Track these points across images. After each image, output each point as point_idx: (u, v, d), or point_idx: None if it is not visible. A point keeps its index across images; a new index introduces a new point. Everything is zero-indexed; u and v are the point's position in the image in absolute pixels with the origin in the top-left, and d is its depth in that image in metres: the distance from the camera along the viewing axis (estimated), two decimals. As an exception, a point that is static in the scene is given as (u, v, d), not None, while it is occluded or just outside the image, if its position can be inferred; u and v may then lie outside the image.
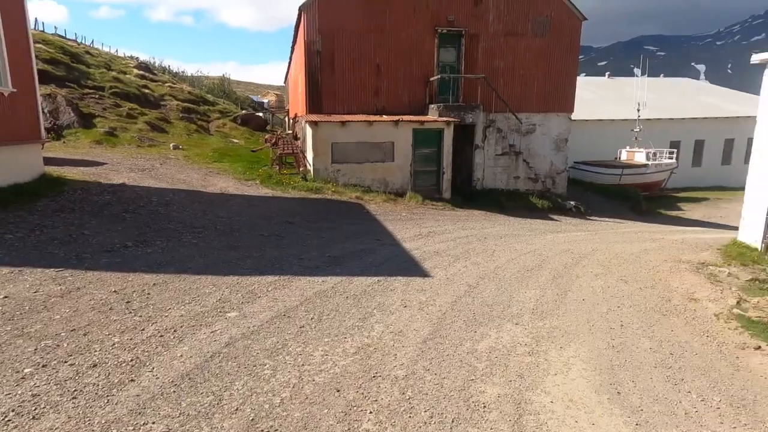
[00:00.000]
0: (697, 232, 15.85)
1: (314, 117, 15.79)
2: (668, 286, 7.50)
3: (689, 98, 36.76)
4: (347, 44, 16.71)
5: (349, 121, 15.18)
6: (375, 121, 15.21)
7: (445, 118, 15.47)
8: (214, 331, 5.00)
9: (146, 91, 22.70)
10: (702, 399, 4.20)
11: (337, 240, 9.66)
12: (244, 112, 29.10)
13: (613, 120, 30.81)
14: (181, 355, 4.46)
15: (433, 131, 15.38)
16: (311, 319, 5.59)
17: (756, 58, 10.69)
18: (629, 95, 33.23)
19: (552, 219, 15.91)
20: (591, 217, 17.62)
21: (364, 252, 8.87)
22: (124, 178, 11.47)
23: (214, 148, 17.92)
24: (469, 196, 16.33)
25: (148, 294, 5.84)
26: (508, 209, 16.04)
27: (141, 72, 25.82)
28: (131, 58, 33.22)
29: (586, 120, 29.76)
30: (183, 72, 39.74)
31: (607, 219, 17.60)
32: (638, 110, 28.48)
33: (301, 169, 16.22)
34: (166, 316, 5.26)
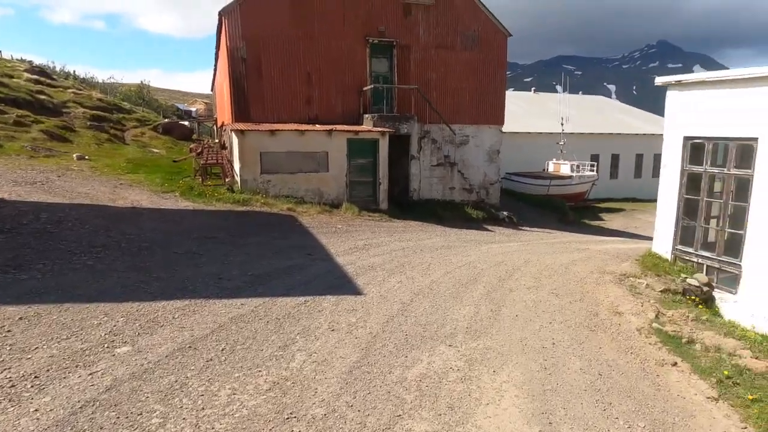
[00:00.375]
0: (617, 242, 16.74)
1: (241, 125, 14.95)
2: (595, 299, 7.61)
3: (605, 115, 39.54)
4: (275, 51, 16.07)
5: (278, 130, 14.51)
6: (307, 130, 14.65)
7: (380, 129, 15.25)
8: (93, 373, 4.22)
9: (42, 96, 20.45)
10: (629, 426, 4.09)
11: (264, 256, 8.99)
12: (167, 120, 27.31)
13: (540, 133, 32.29)
14: (37, 410, 3.65)
15: (368, 141, 15.09)
16: (222, 350, 4.96)
17: (659, 80, 11.43)
18: (553, 110, 35.13)
19: (487, 229, 16.12)
20: (523, 228, 18.11)
21: (293, 269, 8.29)
22: (4, 193, 9.95)
23: (128, 159, 16.45)
24: (406, 206, 16.19)
25: (9, 331, 4.87)
26: (445, 220, 16.06)
27: (35, 76, 23.22)
28: (21, 61, 29.84)
29: (516, 132, 30.90)
30: (92, 78, 36.66)
31: (537, 229, 18.17)
32: (562, 124, 30.07)
33: (227, 180, 15.26)
34: (28, 359, 4.37)
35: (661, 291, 9.71)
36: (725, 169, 10.43)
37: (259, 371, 4.59)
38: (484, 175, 18.94)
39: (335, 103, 16.90)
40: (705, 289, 10.68)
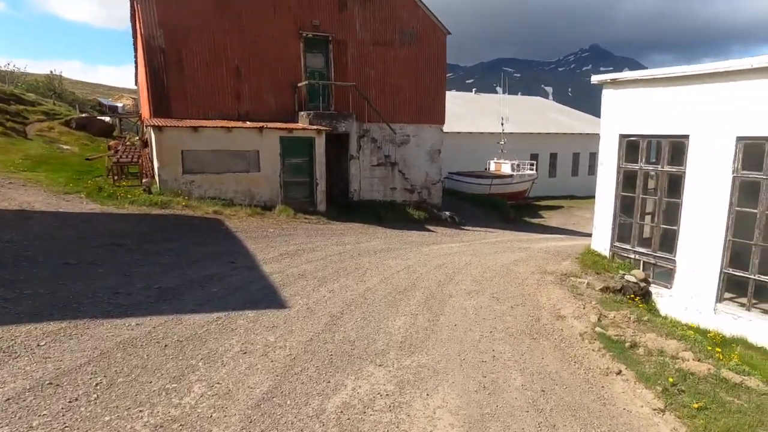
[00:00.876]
0: (557, 240, 16.89)
1: (159, 121, 13.59)
2: (537, 303, 7.25)
3: (544, 115, 40.81)
4: (198, 42, 14.81)
5: (202, 126, 13.30)
6: (234, 127, 13.54)
7: (315, 127, 14.40)
8: None
9: None
10: (579, 449, 3.60)
11: (178, 266, 7.93)
12: (85, 115, 24.89)
13: (481, 133, 32.64)
14: None
15: (303, 140, 14.20)
16: (96, 385, 4.00)
17: (595, 79, 11.46)
18: (493, 110, 35.70)
19: (428, 230, 15.71)
20: (465, 227, 17.91)
21: (210, 280, 7.32)
22: None
23: (27, 155, 14.53)
24: (346, 208, 15.45)
25: None
26: (386, 221, 15.47)
27: None
28: None
29: (458, 132, 31.05)
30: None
31: (479, 229, 18.03)
32: (502, 124, 30.53)
33: (145, 180, 13.83)
34: None
35: (600, 289, 9.62)
36: (659, 167, 10.55)
37: (140, 411, 3.69)
38: (425, 174, 18.57)
39: (268, 100, 15.86)
40: (642, 284, 10.76)
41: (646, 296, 10.78)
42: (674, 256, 10.06)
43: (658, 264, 10.52)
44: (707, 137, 9.09)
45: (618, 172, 11.19)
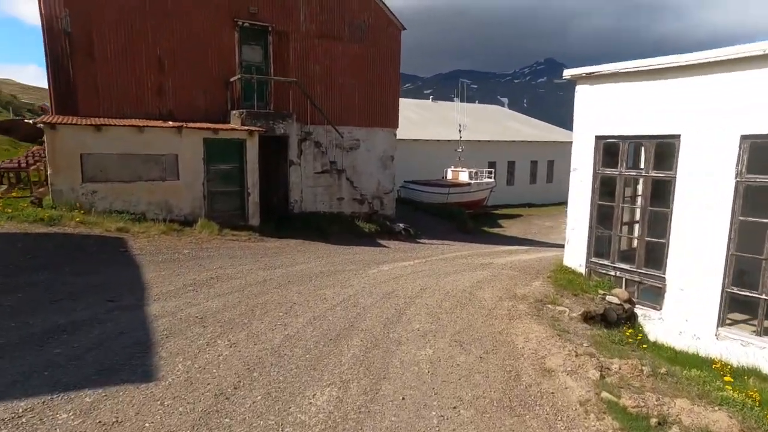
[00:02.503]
0: (521, 252, 15.49)
1: (54, 118, 11.13)
2: (513, 347, 5.52)
3: (501, 123, 40.24)
4: (113, 27, 12.48)
5: (106, 125, 10.95)
6: (147, 126, 11.25)
7: (247, 127, 12.30)
8: None
9: None
10: None
11: (29, 308, 5.70)
12: (12, 118, 21.58)
13: (438, 140, 31.44)
14: None
15: (232, 142, 12.07)
16: None
17: (567, 73, 10.08)
18: (451, 118, 34.69)
19: (380, 245, 13.89)
20: (421, 240, 16.24)
21: (62, 332, 5.15)
22: None
23: None
24: (285, 221, 13.40)
25: None
26: (331, 236, 13.52)
27: None
28: None
29: (415, 140, 29.70)
30: None
31: (436, 241, 16.40)
32: (460, 131, 29.38)
33: (38, 191, 11.28)
34: None
35: (581, 315, 8.10)
36: (643, 172, 9.23)
37: None
38: (377, 183, 16.80)
39: (196, 97, 13.64)
40: (626, 306, 9.33)
41: (631, 319, 9.37)
42: (663, 273, 8.70)
43: (644, 282, 9.14)
44: (704, 137, 7.76)
45: (594, 179, 9.79)
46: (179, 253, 9.37)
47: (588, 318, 8.39)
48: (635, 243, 9.39)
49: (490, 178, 30.15)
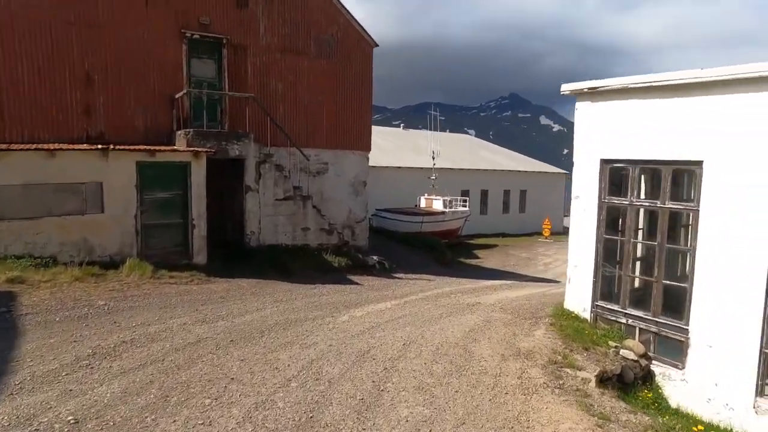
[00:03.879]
0: (507, 288, 14.04)
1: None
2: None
3: (473, 152, 39.66)
4: (25, 38, 10.57)
5: (2, 150, 8.92)
6: (60, 149, 9.26)
7: (191, 149, 10.48)
8: None
9: None
10: None
11: None
12: None
13: (410, 167, 30.33)
14: None
15: (173, 166, 10.19)
16: None
17: (566, 87, 8.84)
18: (422, 146, 33.84)
19: (351, 282, 12.13)
20: (397, 275, 14.56)
21: None
22: None
23: None
24: (240, 257, 11.47)
25: None
26: (294, 272, 11.66)
27: None
28: None
29: (386, 166, 28.46)
30: None
31: (413, 276, 14.76)
32: (433, 158, 28.32)
33: None
34: None
35: (597, 377, 6.57)
36: (658, 202, 7.94)
37: None
38: (348, 211, 15.14)
39: (134, 117, 11.75)
40: (643, 362, 7.87)
41: (647, 378, 7.88)
42: (686, 324, 7.29)
43: (662, 333, 7.72)
44: (736, 163, 6.53)
45: (600, 208, 8.44)
46: (91, 306, 7.32)
47: (603, 380, 6.87)
48: (651, 286, 7.99)
49: (465, 206, 29.07)
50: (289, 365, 5.39)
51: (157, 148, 10.18)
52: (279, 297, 9.36)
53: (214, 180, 12.32)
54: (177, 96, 11.84)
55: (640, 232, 8.57)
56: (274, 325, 7.14)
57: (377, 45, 15.39)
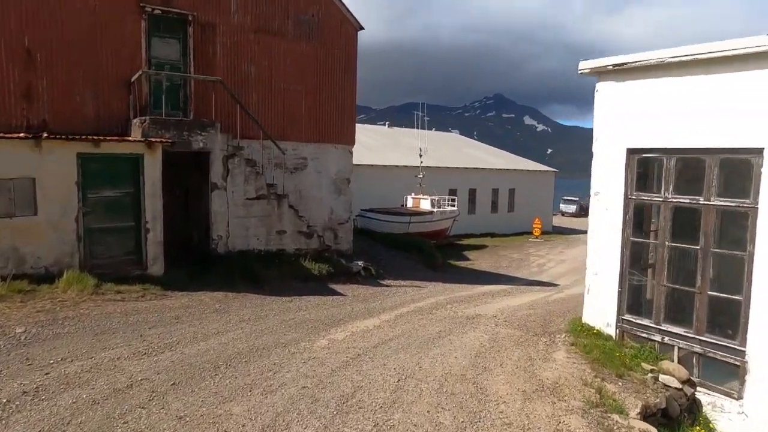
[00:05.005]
0: (505, 294, 12.79)
1: None
2: None
3: (460, 151, 38.53)
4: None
5: None
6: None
7: (143, 139, 8.91)
8: None
9: None
10: None
11: None
12: None
13: (396, 166, 29.02)
14: None
15: (122, 160, 8.64)
16: None
17: (585, 65, 7.54)
18: (408, 144, 32.63)
19: (333, 292, 10.70)
20: (385, 281, 13.17)
21: None
22: None
23: None
24: (204, 266, 9.94)
25: None
26: (267, 283, 10.18)
27: None
28: None
29: (371, 165, 27.09)
30: None
31: (403, 282, 13.39)
32: (420, 155, 27.03)
33: None
34: None
35: (639, 413, 5.31)
36: (701, 198, 6.71)
37: None
38: (329, 211, 13.69)
39: (84, 102, 10.13)
40: (688, 391, 6.62)
41: (692, 409, 6.64)
42: (742, 345, 6.06)
43: (709, 354, 6.49)
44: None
45: (626, 207, 7.17)
46: (4, 336, 5.76)
47: (647, 416, 5.60)
48: (694, 299, 6.73)
49: (454, 206, 27.88)
50: (244, 425, 3.95)
51: (103, 138, 8.58)
52: (247, 315, 7.87)
53: (177, 177, 10.78)
54: (133, 79, 10.24)
55: (658, 233, 7.34)
56: (234, 357, 5.67)
57: (362, 28, 13.97)
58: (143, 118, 9.62)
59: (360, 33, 14.08)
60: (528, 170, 38.01)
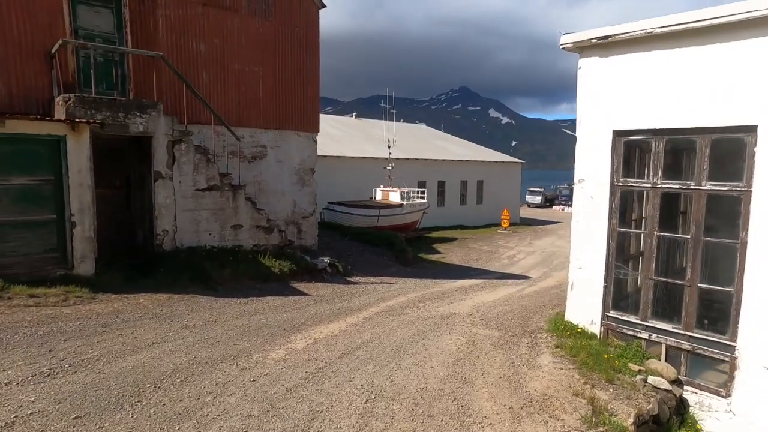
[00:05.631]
0: (479, 289, 12.19)
1: None
2: None
3: (429, 142, 37.96)
4: None
5: None
6: None
7: (64, 119, 7.69)
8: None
9: None
10: None
11: None
12: None
13: (364, 157, 28.12)
14: None
15: (38, 142, 7.38)
16: None
17: (567, 39, 6.86)
18: (376, 135, 31.83)
19: (296, 292, 9.78)
20: (353, 279, 12.34)
21: None
22: None
23: None
24: (147, 265, 8.80)
25: None
26: (221, 283, 9.15)
27: None
28: None
29: (338, 156, 26.11)
30: None
31: (372, 279, 12.60)
32: (389, 146, 26.22)
33: None
34: None
35: (633, 423, 4.74)
36: (691, 183, 6.18)
37: None
38: (292, 204, 12.71)
39: (-3, 77, 8.72)
40: (676, 391, 6.10)
41: (679, 410, 6.14)
42: (732, 340, 5.58)
43: (697, 351, 6.00)
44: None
45: (612, 195, 6.58)
46: None
47: (640, 424, 5.04)
48: (682, 291, 6.21)
49: (423, 198, 27.28)
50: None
51: (8, 114, 7.30)
52: (193, 320, 6.87)
53: (117, 165, 9.58)
54: (53, 50, 8.91)
55: (644, 221, 6.82)
56: (167, 376, 4.71)
57: (324, 6, 12.96)
58: (67, 96, 8.33)
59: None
60: (496, 162, 37.86)
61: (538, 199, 50.97)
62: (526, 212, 42.98)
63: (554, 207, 50.21)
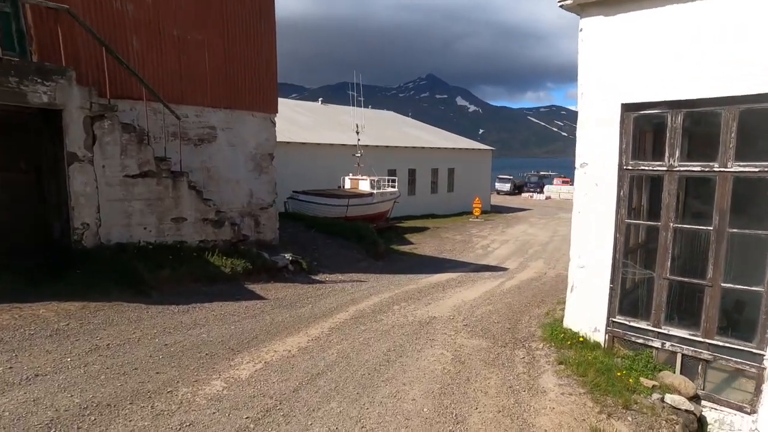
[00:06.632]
0: (456, 286, 11.16)
1: None
2: None
3: (399, 129, 36.82)
4: None
5: None
6: None
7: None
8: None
9: None
10: None
11: None
12: None
13: (332, 144, 26.72)
14: None
15: None
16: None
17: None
18: (344, 121, 30.43)
19: (249, 296, 8.44)
20: (319, 276, 11.11)
21: None
22: None
23: None
24: (63, 266, 7.26)
25: None
26: (156, 287, 7.71)
27: None
28: None
29: (303, 143, 24.63)
30: None
31: (341, 277, 11.39)
32: (358, 132, 24.86)
33: None
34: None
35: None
36: (714, 164, 5.23)
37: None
38: (249, 194, 11.29)
39: None
40: (696, 410, 5.17)
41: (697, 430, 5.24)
42: (762, 349, 4.71)
43: (719, 362, 5.11)
44: None
45: (620, 180, 5.56)
46: None
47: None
48: (703, 293, 5.26)
49: (394, 187, 26.20)
50: None
51: None
52: (107, 338, 5.47)
53: (24, 146, 7.93)
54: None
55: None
56: (43, 427, 3.36)
57: (281, -32, 11.43)
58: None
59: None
60: (467, 149, 37.14)
61: (507, 187, 51.05)
62: (496, 200, 42.65)
63: (523, 194, 50.36)
